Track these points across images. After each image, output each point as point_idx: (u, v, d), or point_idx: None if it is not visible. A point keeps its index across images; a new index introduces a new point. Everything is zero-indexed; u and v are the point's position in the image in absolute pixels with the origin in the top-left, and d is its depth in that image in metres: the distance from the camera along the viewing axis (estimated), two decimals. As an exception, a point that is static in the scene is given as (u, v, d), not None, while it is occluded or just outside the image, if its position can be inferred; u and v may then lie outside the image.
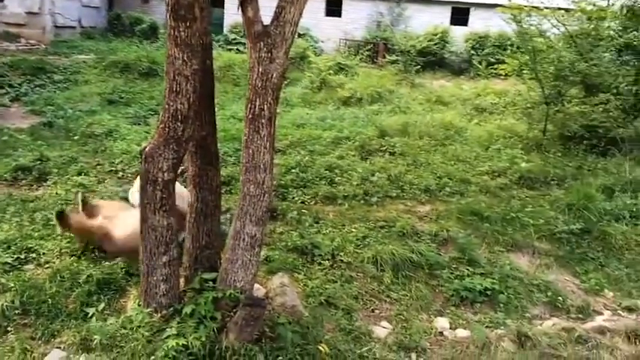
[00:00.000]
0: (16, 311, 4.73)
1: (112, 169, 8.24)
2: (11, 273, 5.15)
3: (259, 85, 4.52)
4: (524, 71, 12.77)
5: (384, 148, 9.84)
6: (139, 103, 12.81)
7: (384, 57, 21.32)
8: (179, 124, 4.47)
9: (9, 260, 5.31)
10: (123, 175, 8.09)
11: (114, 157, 8.60)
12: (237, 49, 21.51)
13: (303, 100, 14.13)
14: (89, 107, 12.00)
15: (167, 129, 4.47)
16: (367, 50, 22.56)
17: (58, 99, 12.56)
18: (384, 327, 5.37)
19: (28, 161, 7.87)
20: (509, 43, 20.08)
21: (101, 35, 22.32)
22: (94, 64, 15.80)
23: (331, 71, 16.20)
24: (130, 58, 15.77)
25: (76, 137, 9.63)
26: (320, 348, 4.68)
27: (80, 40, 20.45)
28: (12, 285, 4.92)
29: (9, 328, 4.59)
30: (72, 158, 8.33)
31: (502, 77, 16.43)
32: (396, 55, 19.93)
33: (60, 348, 4.44)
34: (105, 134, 9.80)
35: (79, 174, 7.84)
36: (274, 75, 4.54)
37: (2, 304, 4.70)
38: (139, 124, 10.97)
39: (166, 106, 4.47)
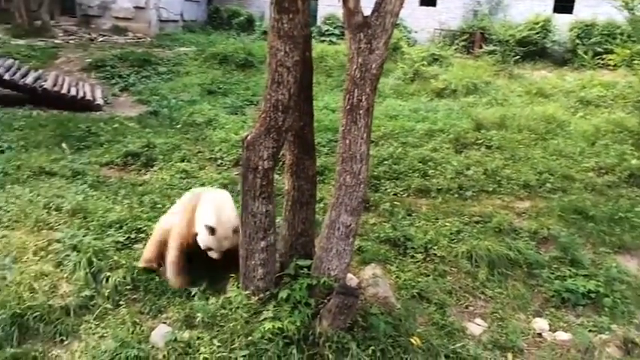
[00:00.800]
0: (127, 287, 5.08)
1: (212, 156, 8.60)
2: (123, 251, 5.53)
3: (358, 76, 4.53)
4: (636, 61, 11.87)
5: (480, 142, 9.55)
6: (235, 93, 13.27)
7: (481, 47, 20.58)
8: (280, 114, 4.58)
9: (121, 239, 5.71)
10: (222, 163, 8.42)
11: (213, 145, 8.97)
12: (330, 41, 21.64)
13: (395, 92, 14.00)
14: (190, 97, 12.59)
15: (268, 119, 4.60)
16: (463, 40, 21.90)
17: (162, 89, 13.29)
18: (478, 324, 5.24)
19: (136, 147, 8.40)
20: (618, 31, 18.72)
21: (201, 28, 23.32)
22: (194, 56, 16.53)
23: (425, 62, 15.91)
24: (228, 50, 16.34)
25: (178, 126, 10.15)
26: (412, 341, 4.65)
27: (182, 33, 21.47)
28: (123, 262, 5.29)
29: (121, 302, 4.95)
30: (175, 145, 8.79)
31: (610, 68, 15.38)
32: (494, 45, 19.19)
33: (166, 323, 4.73)
34: (205, 123, 10.25)
35: (182, 160, 8.27)
36: (373, 66, 4.54)
37: (115, 280, 5.07)
38: (236, 113, 11.36)
39: (268, 97, 4.59)
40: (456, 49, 19.56)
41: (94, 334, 4.60)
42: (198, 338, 4.51)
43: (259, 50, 16.38)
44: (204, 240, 5.05)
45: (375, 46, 4.45)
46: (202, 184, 7.46)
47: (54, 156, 8.02)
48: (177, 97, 12.55)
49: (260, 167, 4.66)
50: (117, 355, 4.27)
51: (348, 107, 4.59)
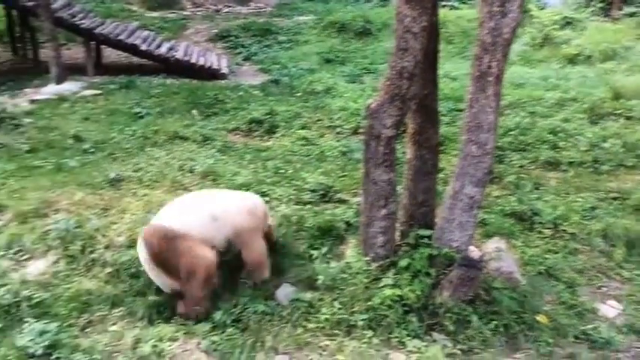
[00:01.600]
0: (254, 247, 5.35)
1: (331, 124, 8.71)
2: (249, 213, 5.81)
3: (488, 42, 4.33)
4: None
5: (619, 112, 8.76)
6: (353, 62, 13.25)
7: (620, 9, 18.72)
8: (405, 81, 4.52)
9: (247, 202, 5.99)
10: (340, 131, 8.51)
11: (332, 113, 9.07)
12: (451, 6, 20.76)
13: (522, 58, 13.20)
14: (309, 66, 12.77)
15: (393, 86, 4.56)
16: (600, 2, 20.04)
17: (282, 58, 13.60)
18: (612, 306, 4.91)
19: (260, 115, 8.72)
20: None
21: (319, -4, 23.37)
22: (313, 24, 16.67)
23: (556, 26, 14.78)
24: (346, 19, 16.26)
25: (298, 94, 10.36)
26: (538, 318, 4.48)
27: (301, 2, 21.65)
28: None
29: (249, 261, 5.23)
30: (296, 113, 9.00)
31: None
32: (636, 7, 17.37)
33: (289, 283, 4.94)
34: (324, 91, 10.36)
35: (303, 128, 8.47)
36: (506, 30, 4.31)
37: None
38: (355, 82, 11.36)
39: (393, 64, 4.53)
40: (592, 12, 17.96)
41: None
42: (320, 299, 4.68)
43: (377, 18, 16.15)
44: None
45: (508, 9, 4.22)
46: (322, 152, 7.61)
47: (186, 122, 8.56)
48: (296, 65, 12.78)
49: (383, 135, 4.65)
50: (247, 308, 4.54)
51: (477, 74, 4.42)
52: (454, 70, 11.29)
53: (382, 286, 4.61)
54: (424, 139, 5.09)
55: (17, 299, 4.66)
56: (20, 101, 9.58)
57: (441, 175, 6.18)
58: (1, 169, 6.68)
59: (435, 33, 4.91)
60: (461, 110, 8.38)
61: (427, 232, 4.84)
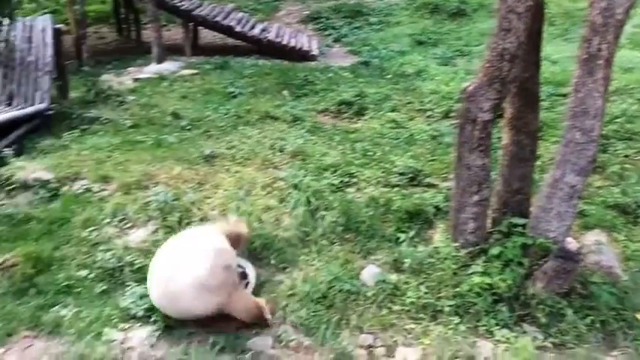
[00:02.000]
0: (340, 227, 5.40)
1: (421, 107, 8.55)
2: (337, 193, 5.87)
3: (599, 22, 4.08)
4: None
5: None
6: (446, 43, 12.87)
7: None
8: (505, 63, 4.35)
9: (335, 182, 6.05)
10: (431, 115, 8.34)
11: (423, 96, 8.90)
12: (552, -15, 19.64)
13: (632, 41, 12.24)
14: (400, 48, 12.55)
15: (492, 68, 4.40)
16: None
17: (372, 40, 13.46)
18: None
19: (349, 96, 8.72)
20: None
21: (413, -23, 22.84)
22: (405, 5, 16.32)
23: (672, 6, 13.57)
24: (440, -1, 15.82)
25: (388, 76, 10.24)
26: (639, 317, 4.22)
27: (393, -17, 21.30)
28: (336, 204, 5.62)
29: (334, 241, 5.29)
30: (386, 95, 8.92)
31: None
32: None
33: (375, 264, 4.96)
34: (415, 74, 10.17)
35: (392, 110, 8.38)
36: (619, 11, 4.05)
37: (330, 220, 5.42)
38: (447, 64, 11.06)
39: (494, 45, 4.38)
40: None
41: (311, 265, 5.01)
42: (406, 282, 4.67)
43: (472, -2, 15.57)
44: None
45: (623, -13, 3.95)
46: (411, 135, 7.51)
47: (277, 102, 8.73)
48: (387, 47, 12.61)
49: (479, 119, 4.52)
50: (331, 286, 4.61)
51: (585, 57, 4.18)
52: (555, 53, 10.70)
53: (471, 273, 4.52)
54: (522, 124, 4.90)
55: (121, 264, 5.01)
56: (124, 79, 10.16)
57: (538, 163, 5.93)
58: (107, 143, 7.14)
59: (539, 13, 4.67)
60: (561, 95, 7.99)
61: (521, 221, 4.67)
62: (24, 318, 4.51)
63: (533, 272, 4.42)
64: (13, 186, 6.08)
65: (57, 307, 4.64)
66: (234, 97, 9.03)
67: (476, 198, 4.69)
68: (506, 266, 4.44)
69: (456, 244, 4.76)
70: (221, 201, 5.75)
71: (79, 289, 4.84)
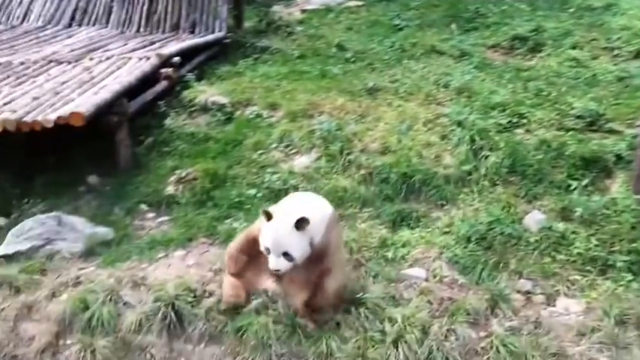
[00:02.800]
0: (504, 169, 5.17)
1: (608, 45, 7.64)
2: (503, 133, 5.58)
3: None
4: None
5: None
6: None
7: None
8: None
9: (503, 122, 5.74)
10: (619, 54, 7.44)
11: (611, 32, 7.93)
12: None
13: None
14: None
15: None
16: None
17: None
18: None
19: (524, 31, 8.06)
20: None
21: None
22: None
23: None
24: None
25: (571, 9, 9.24)
26: None
27: None
28: (502, 145, 5.36)
29: (497, 182, 5.10)
30: (566, 31, 8.10)
31: None
32: None
33: (540, 210, 4.70)
34: (602, 8, 9.06)
35: (573, 48, 7.61)
36: None
37: (494, 160, 5.20)
38: (643, -3, 9.69)
39: None
40: None
41: (470, 205, 4.91)
42: (574, 232, 4.39)
43: None
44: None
45: None
46: (594, 75, 6.81)
47: (444, 35, 8.36)
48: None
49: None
50: (491, 228, 4.49)
51: None
52: None
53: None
54: None
55: (286, 186, 5.33)
56: (293, 10, 10.41)
57: None
58: (276, 72, 7.46)
59: None
60: None
61: None
62: (202, 226, 5.05)
63: None
64: (195, 108, 6.66)
65: (230, 219, 5.11)
66: (400, 29, 8.82)
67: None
68: None
69: (638, 197, 4.32)
70: (382, 134, 5.78)
71: (249, 206, 5.26)
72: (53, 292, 4.31)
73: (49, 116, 5.21)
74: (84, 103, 5.41)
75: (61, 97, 5.74)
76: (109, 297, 4.18)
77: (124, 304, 4.20)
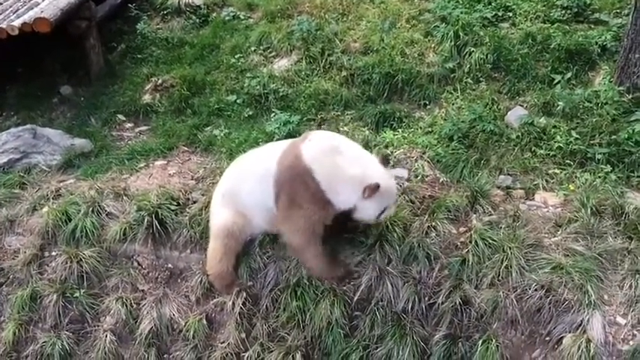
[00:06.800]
0: (489, 65, 5.03)
1: None
2: (488, 28, 5.37)
3: None
4: None
5: None
6: None
7: None
8: None
9: (488, 15, 5.49)
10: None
11: None
12: None
13: None
14: None
15: None
16: None
17: None
18: None
19: None
20: None
21: None
22: None
23: None
24: None
25: None
26: None
27: None
28: (487, 40, 5.17)
29: (481, 79, 4.99)
30: None
31: None
32: None
33: (522, 106, 4.64)
34: None
35: None
36: None
37: (478, 56, 5.06)
38: None
39: None
40: None
41: (453, 104, 4.83)
42: (555, 127, 4.36)
43: None
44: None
45: None
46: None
47: None
48: None
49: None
50: (473, 126, 4.45)
51: None
52: None
53: (633, 120, 4.08)
54: None
55: (266, 91, 5.20)
56: None
57: None
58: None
59: None
60: None
61: None
62: (182, 135, 4.98)
63: None
64: (168, 10, 6.36)
65: (210, 127, 5.04)
66: None
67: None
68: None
69: (621, 88, 4.26)
70: (364, 32, 5.58)
71: (229, 113, 5.17)
72: (34, 206, 4.31)
73: (13, 23, 4.96)
74: (48, 7, 5.12)
75: (24, 2, 5.42)
76: (91, 208, 4.18)
77: (107, 214, 4.20)
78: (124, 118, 5.35)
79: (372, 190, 3.27)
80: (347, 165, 3.33)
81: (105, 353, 3.80)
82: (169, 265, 4.01)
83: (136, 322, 3.85)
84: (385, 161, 3.60)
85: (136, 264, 4.05)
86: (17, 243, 4.19)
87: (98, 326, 3.91)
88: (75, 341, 3.91)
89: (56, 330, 3.93)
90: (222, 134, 4.91)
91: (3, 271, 4.11)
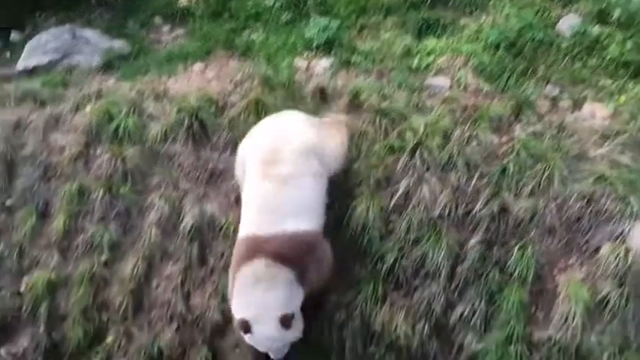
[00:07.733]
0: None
1: None
2: None
3: None
4: None
5: None
6: None
7: None
8: None
9: None
10: None
11: None
12: None
13: None
14: None
15: None
16: None
17: None
18: None
19: None
20: None
21: None
22: None
23: None
24: None
25: None
26: None
27: None
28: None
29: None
30: None
31: None
32: None
33: (576, 14, 4.42)
34: None
35: None
36: None
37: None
38: None
39: None
40: None
41: (501, 11, 4.61)
42: (609, 36, 4.17)
43: None
44: None
45: None
46: None
47: None
48: None
49: None
50: (522, 34, 4.26)
51: None
52: None
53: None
54: None
55: (304, -6, 5.02)
56: None
57: None
58: None
59: None
60: None
61: None
62: (219, 39, 4.90)
63: None
64: None
65: (247, 31, 4.94)
66: None
67: None
68: None
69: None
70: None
71: (267, 17, 5.03)
72: (77, 105, 4.38)
73: None
74: None
75: None
76: (133, 109, 4.22)
77: (148, 115, 4.25)
78: (161, 21, 5.27)
79: None
80: None
81: (150, 245, 3.97)
82: (210, 166, 4.07)
83: (178, 218, 3.96)
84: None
85: (177, 164, 4.12)
86: (63, 140, 4.29)
87: (143, 220, 4.05)
88: (122, 233, 4.07)
89: (104, 222, 4.08)
90: (260, 39, 4.83)
91: (51, 165, 4.25)
